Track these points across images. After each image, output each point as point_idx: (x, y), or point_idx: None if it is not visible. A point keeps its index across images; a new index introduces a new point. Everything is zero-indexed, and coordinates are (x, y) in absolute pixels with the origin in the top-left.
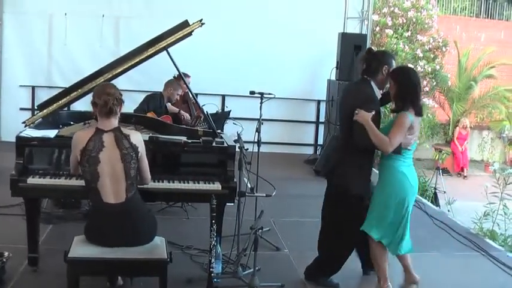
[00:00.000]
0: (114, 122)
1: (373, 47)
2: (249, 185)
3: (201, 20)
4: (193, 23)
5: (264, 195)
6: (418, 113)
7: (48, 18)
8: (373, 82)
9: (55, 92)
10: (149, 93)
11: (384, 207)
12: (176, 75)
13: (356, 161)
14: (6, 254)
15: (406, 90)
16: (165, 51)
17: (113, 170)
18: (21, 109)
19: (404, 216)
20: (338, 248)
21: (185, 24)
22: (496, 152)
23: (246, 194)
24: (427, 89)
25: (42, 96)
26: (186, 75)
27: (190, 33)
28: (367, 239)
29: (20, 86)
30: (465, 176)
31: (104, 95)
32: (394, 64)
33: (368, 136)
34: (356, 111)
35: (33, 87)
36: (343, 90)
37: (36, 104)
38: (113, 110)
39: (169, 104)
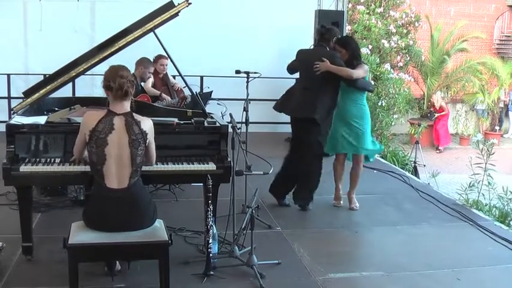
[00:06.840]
0: (127, 106)
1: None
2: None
3: (187, 0)
4: (180, 4)
5: (262, 173)
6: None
7: (22, 5)
8: (328, 47)
9: (32, 78)
10: None
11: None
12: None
13: (325, 101)
14: None
15: (357, 52)
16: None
17: (119, 154)
18: None
19: None
20: (317, 165)
21: (171, 4)
22: (470, 125)
23: (244, 172)
24: (400, 64)
25: (19, 83)
26: (162, 57)
27: (177, 14)
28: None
29: None
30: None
31: (118, 77)
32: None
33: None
34: (317, 64)
35: (8, 75)
36: (307, 53)
37: (12, 92)
38: (128, 93)
39: (149, 86)
